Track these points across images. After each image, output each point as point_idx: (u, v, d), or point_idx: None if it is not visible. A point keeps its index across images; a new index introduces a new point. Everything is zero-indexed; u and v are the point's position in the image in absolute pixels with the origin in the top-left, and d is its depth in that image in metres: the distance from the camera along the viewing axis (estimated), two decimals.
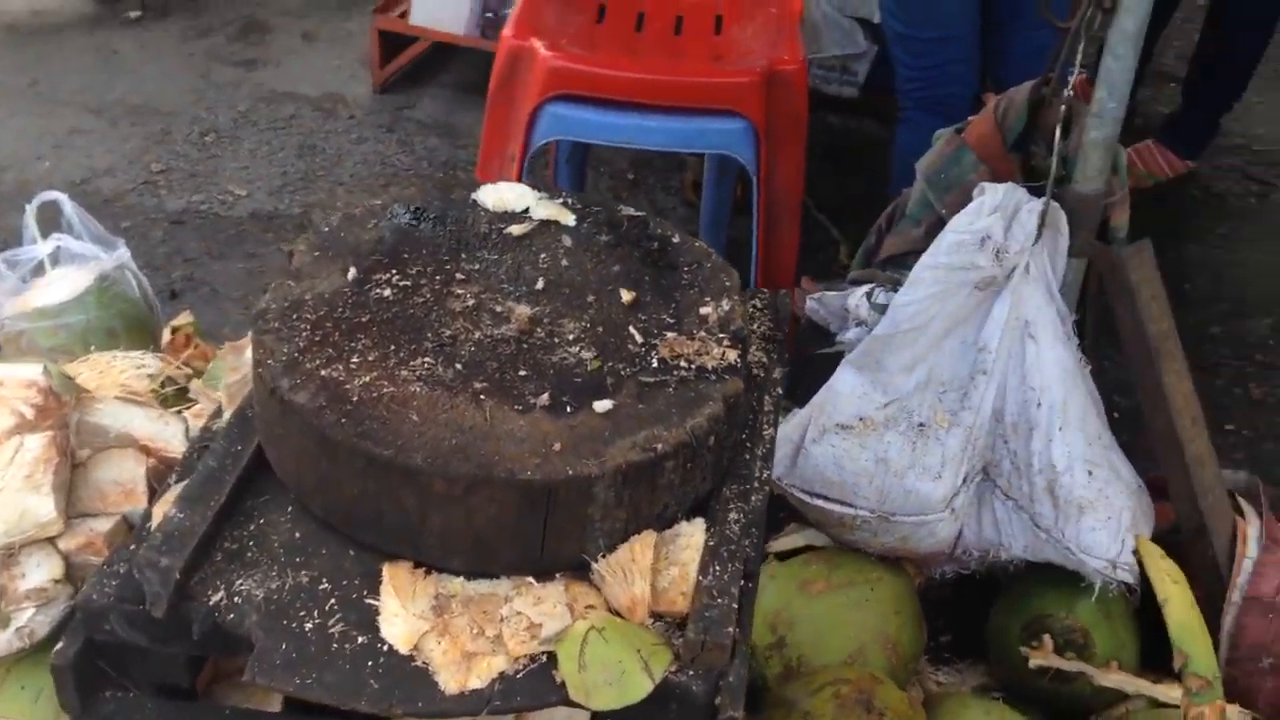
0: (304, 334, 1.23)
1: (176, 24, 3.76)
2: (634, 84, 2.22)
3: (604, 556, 1.16)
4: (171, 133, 3.24)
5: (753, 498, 1.27)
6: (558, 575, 1.17)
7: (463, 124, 3.37)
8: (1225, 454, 2.13)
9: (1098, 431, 1.73)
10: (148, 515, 1.25)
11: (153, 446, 1.44)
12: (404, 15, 3.43)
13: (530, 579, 1.16)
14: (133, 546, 1.19)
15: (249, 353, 1.32)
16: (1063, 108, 1.76)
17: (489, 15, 3.36)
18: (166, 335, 2.00)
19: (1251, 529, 1.65)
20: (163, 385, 1.72)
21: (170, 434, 1.47)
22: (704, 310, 1.33)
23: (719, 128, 2.22)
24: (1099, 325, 1.94)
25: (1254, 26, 2.99)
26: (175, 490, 1.23)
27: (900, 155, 2.54)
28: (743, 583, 1.18)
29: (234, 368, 1.43)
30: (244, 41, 3.70)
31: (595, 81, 2.20)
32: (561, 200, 1.46)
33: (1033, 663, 1.68)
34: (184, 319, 2.02)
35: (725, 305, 1.34)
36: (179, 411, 1.56)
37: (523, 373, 1.22)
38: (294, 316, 1.25)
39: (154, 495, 1.35)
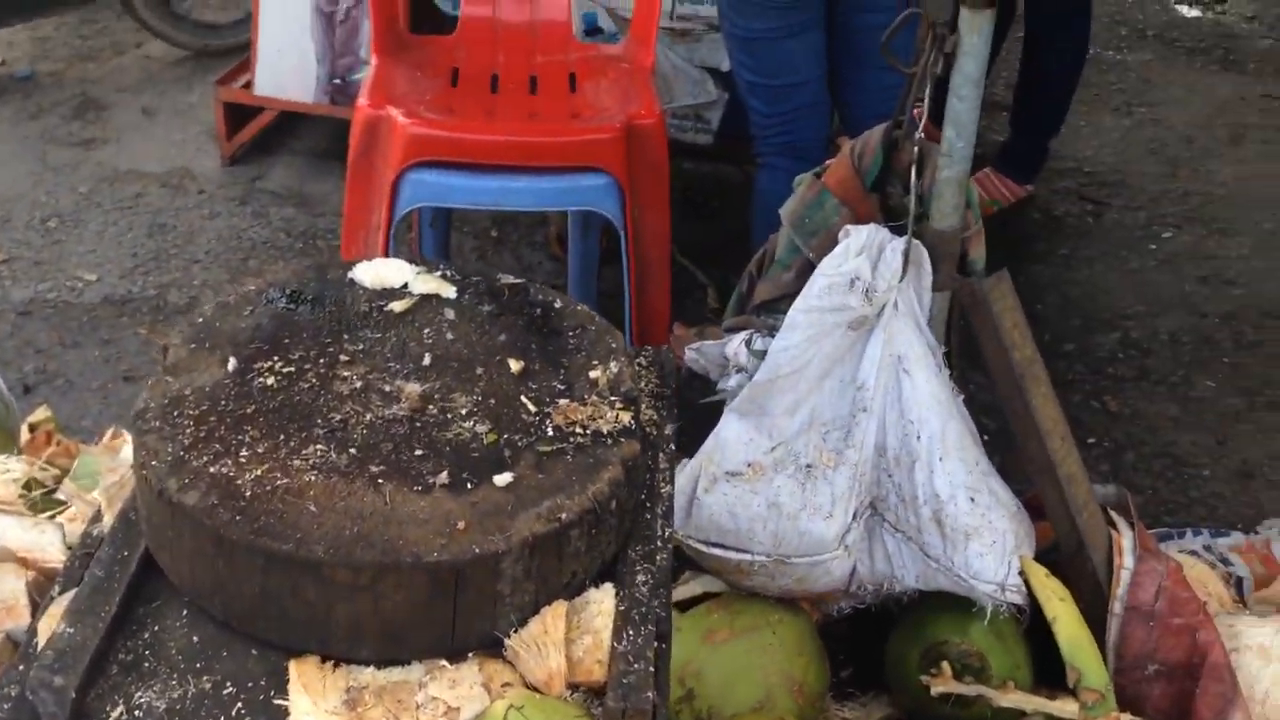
0: (188, 431, 1.19)
1: (8, 107, 3.62)
2: (495, 146, 2.23)
3: (516, 632, 1.15)
4: (11, 220, 3.11)
5: (658, 557, 1.28)
6: (471, 655, 1.15)
7: (318, 191, 3.32)
8: (1091, 466, 2.22)
9: (975, 458, 1.79)
10: (33, 632, 1.19)
11: (30, 558, 1.37)
12: (248, 86, 3.37)
13: (443, 662, 1.14)
14: (21, 666, 1.13)
15: (125, 451, 1.28)
16: (915, 149, 1.82)
17: (337, 81, 3.33)
18: (25, 434, 1.92)
19: (1126, 541, 1.73)
20: (28, 488, 1.64)
21: (47, 542, 1.40)
22: (593, 374, 1.34)
23: (583, 184, 2.24)
24: (963, 352, 2.01)
25: (1064, 57, 3.17)
26: (61, 603, 1.18)
27: (760, 200, 2.59)
28: (657, 644, 1.18)
29: (110, 468, 1.38)
30: (81, 120, 3.59)
31: (456, 146, 2.21)
32: (440, 273, 1.46)
33: (934, 690, 1.72)
34: (42, 414, 1.93)
35: (614, 368, 1.35)
36: (52, 517, 1.49)
37: (419, 452, 1.20)
38: (175, 414, 1.21)
39: (37, 610, 1.29)
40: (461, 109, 2.33)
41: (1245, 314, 2.95)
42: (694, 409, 2.06)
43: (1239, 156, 3.66)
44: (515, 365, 1.33)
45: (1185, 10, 4.65)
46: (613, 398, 1.30)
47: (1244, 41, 4.41)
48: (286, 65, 3.28)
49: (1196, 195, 3.45)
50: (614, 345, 1.39)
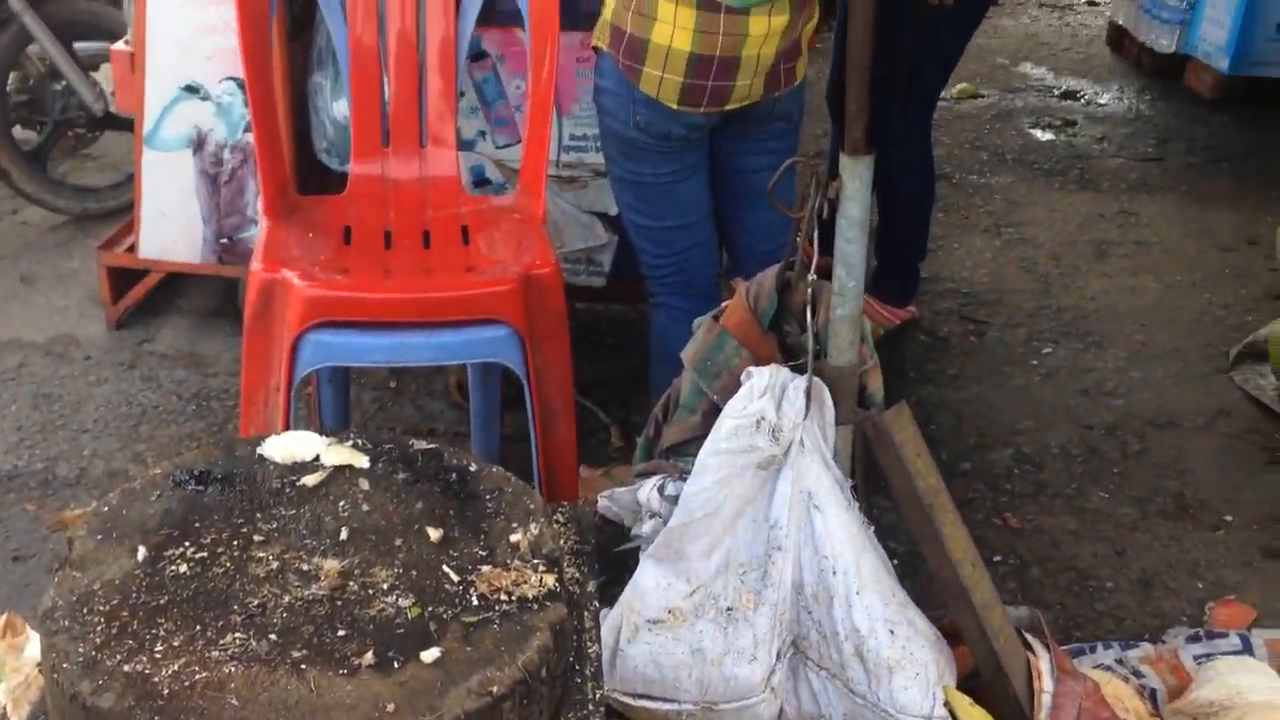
0: (99, 628, 1.15)
1: None
2: (393, 304, 2.23)
3: None
4: None
5: None
6: None
7: (209, 351, 3.27)
8: (999, 585, 2.26)
9: (892, 589, 1.81)
10: None
11: None
12: (132, 249, 3.33)
13: None
14: None
15: (29, 649, 1.22)
16: (808, 289, 1.88)
17: (224, 241, 3.30)
18: None
19: (1043, 663, 1.76)
20: None
21: None
22: (514, 537, 1.33)
23: (483, 337, 2.25)
24: (868, 476, 2.05)
25: (914, 186, 3.32)
26: None
27: (657, 340, 2.63)
28: None
29: (14, 668, 1.32)
30: None
31: (354, 306, 2.20)
32: (352, 442, 1.45)
33: None
34: None
35: (534, 529, 1.35)
36: None
37: (341, 632, 1.18)
38: (85, 610, 1.17)
39: None
40: (356, 268, 2.33)
41: (1128, 423, 3.06)
42: (609, 556, 2.05)
43: (1104, 271, 3.84)
44: (434, 534, 1.32)
45: (1039, 134, 4.91)
46: (535, 560, 1.30)
47: (1096, 161, 4.66)
48: (171, 227, 3.25)
49: (1070, 310, 3.60)
50: (532, 506, 1.39)
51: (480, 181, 3.01)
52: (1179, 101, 5.21)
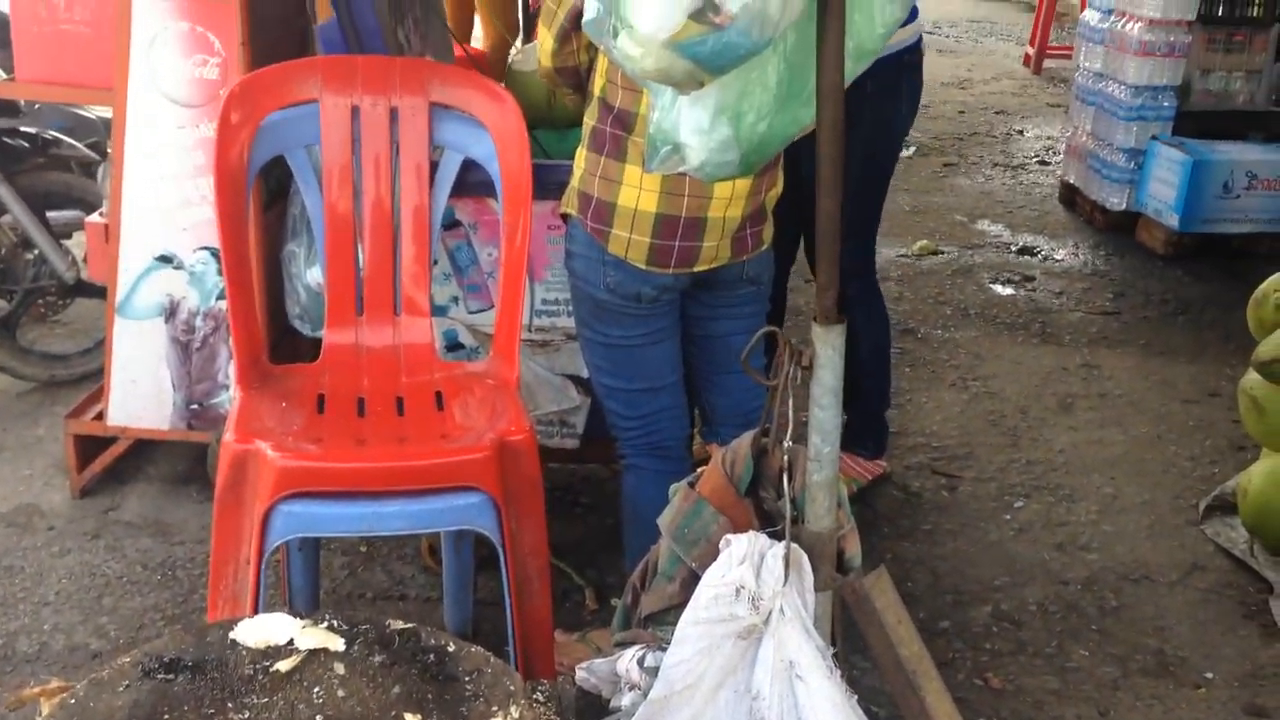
0: None
1: None
2: (367, 474, 2.22)
3: None
4: None
5: None
6: None
7: (175, 519, 3.22)
8: None
9: None
10: None
11: None
12: (100, 416, 3.31)
13: None
14: None
15: None
16: (784, 455, 1.89)
17: (194, 406, 3.29)
18: None
19: None
20: None
21: None
22: None
23: (458, 504, 2.23)
24: (847, 636, 2.02)
25: (870, 338, 3.37)
26: None
27: (629, 502, 2.63)
28: None
29: None
30: None
31: (327, 476, 2.19)
32: (327, 624, 1.42)
33: None
34: None
35: (514, 712, 1.32)
36: None
37: None
38: None
39: None
40: (330, 437, 2.32)
41: (1104, 578, 3.06)
42: None
43: (1071, 424, 3.88)
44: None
45: (1000, 289, 5.03)
46: None
47: (1056, 315, 4.76)
48: (141, 393, 3.24)
49: (1039, 464, 3.63)
50: (512, 687, 1.36)
51: (453, 346, 3.03)
52: (1133, 256, 5.36)
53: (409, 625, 1.43)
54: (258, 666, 1.33)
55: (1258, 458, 3.26)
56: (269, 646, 1.36)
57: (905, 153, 6.94)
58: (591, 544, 3.16)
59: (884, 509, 3.37)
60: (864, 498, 3.37)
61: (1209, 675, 2.70)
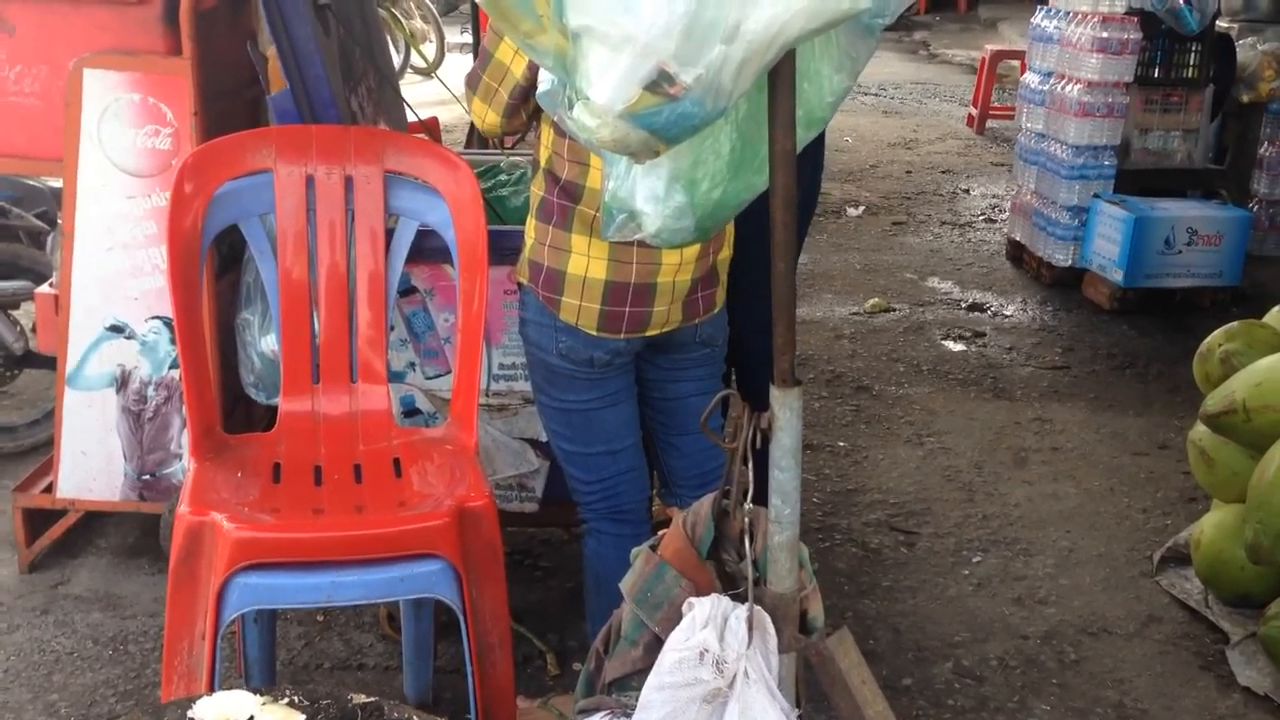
0: None
1: None
2: (324, 543, 2.20)
3: None
4: None
5: None
6: None
7: (127, 592, 3.17)
8: None
9: None
10: None
11: None
12: (49, 489, 3.26)
13: None
14: None
15: None
16: (745, 518, 1.89)
17: (146, 477, 3.25)
18: None
19: None
20: None
21: None
22: None
23: (417, 572, 2.22)
24: (811, 703, 2.02)
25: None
26: None
27: (590, 566, 2.62)
28: None
29: None
30: None
31: (284, 547, 2.17)
32: (287, 699, 1.40)
33: None
34: None
35: None
36: None
37: None
38: None
39: None
40: (286, 507, 2.30)
41: (1062, 632, 3.08)
42: None
43: (1025, 478, 3.92)
44: None
45: (951, 345, 5.09)
46: None
47: (1007, 370, 4.83)
48: (92, 465, 3.19)
49: (995, 518, 3.65)
50: None
51: (410, 412, 3.02)
52: (1080, 311, 5.46)
53: (371, 699, 1.41)
54: None
55: (1209, 509, 3.31)
56: None
57: (854, 211, 7.05)
58: (552, 608, 3.14)
59: (843, 566, 3.38)
60: (824, 556, 3.38)
61: None
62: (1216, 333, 3.37)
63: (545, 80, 1.99)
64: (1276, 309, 3.43)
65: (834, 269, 6.00)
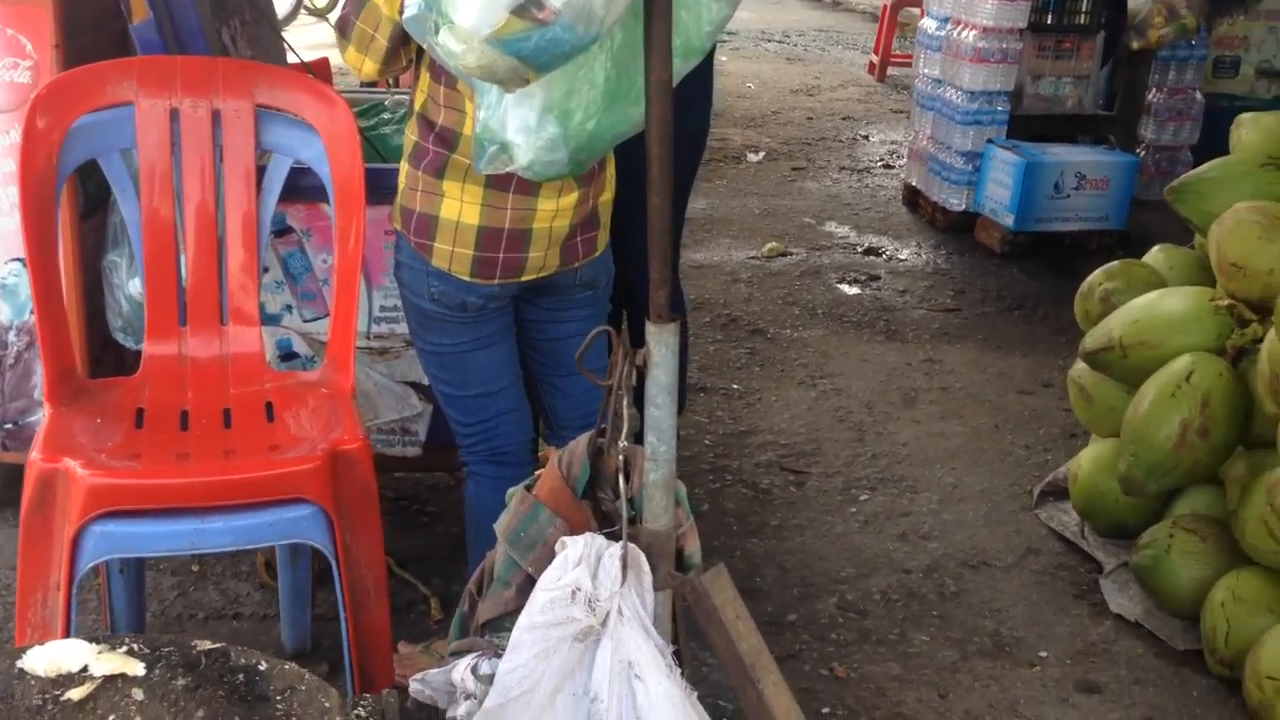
0: None
1: None
2: (188, 489, 2.12)
3: None
4: None
5: None
6: None
7: None
8: None
9: None
10: None
11: None
12: None
13: None
14: None
15: None
16: (620, 456, 1.87)
17: (9, 426, 3.12)
18: None
19: None
20: None
21: None
22: None
23: (286, 517, 2.15)
24: (691, 635, 2.01)
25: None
26: None
27: (471, 509, 2.57)
28: None
29: None
30: None
31: (144, 493, 2.08)
32: (126, 648, 1.34)
33: None
34: None
35: None
36: None
37: None
38: None
39: None
40: (148, 453, 2.22)
41: (944, 565, 3.12)
42: None
43: (914, 418, 3.96)
44: None
45: (846, 289, 5.12)
46: None
47: (900, 313, 4.87)
48: None
49: (884, 457, 3.69)
50: (328, 704, 1.30)
51: (288, 356, 2.93)
52: (972, 255, 5.52)
53: (217, 645, 1.35)
54: (47, 697, 1.24)
55: (1088, 444, 3.37)
56: (60, 674, 1.27)
57: (755, 157, 7.03)
58: (437, 553, 3.09)
59: (733, 507, 3.38)
60: (713, 497, 3.38)
61: (1043, 654, 2.78)
62: (1097, 272, 3.41)
63: (413, 4, 1.91)
64: (1156, 249, 3.49)
65: (732, 214, 5.99)
